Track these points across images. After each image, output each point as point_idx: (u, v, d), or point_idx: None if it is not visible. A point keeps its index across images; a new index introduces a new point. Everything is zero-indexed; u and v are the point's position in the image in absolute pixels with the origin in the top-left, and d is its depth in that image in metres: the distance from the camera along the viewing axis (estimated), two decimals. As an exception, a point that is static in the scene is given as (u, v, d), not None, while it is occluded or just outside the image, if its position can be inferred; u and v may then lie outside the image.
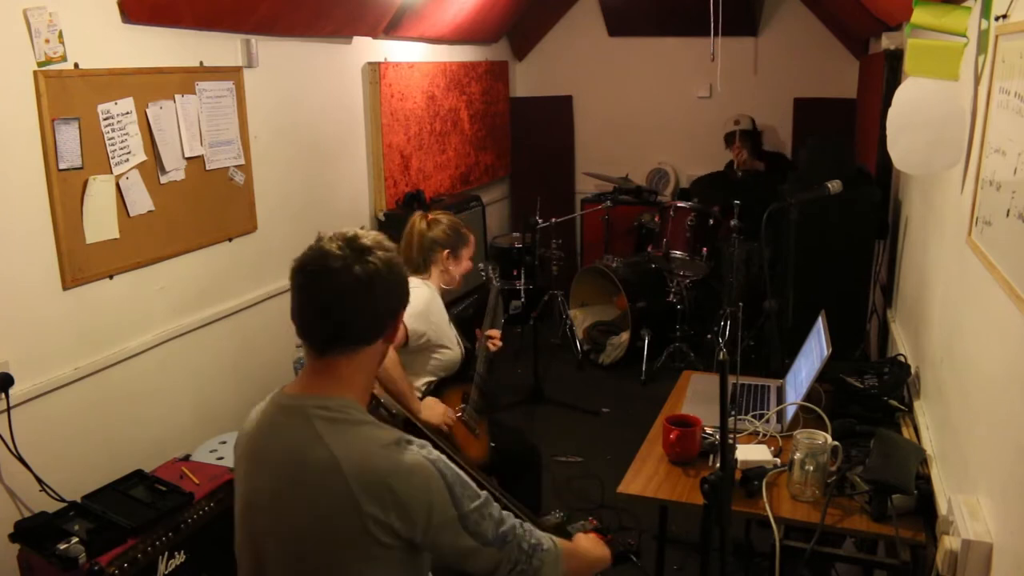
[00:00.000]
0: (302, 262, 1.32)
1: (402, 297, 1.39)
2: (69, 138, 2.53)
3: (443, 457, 1.34)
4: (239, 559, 1.44)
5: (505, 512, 1.40)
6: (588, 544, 1.63)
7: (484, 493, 1.37)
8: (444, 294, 2.80)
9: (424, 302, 2.60)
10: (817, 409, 2.32)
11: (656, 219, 5.06)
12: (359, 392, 1.38)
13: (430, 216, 2.78)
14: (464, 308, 4.53)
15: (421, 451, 1.32)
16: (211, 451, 2.89)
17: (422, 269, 2.72)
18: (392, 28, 4.32)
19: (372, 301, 1.32)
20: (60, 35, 2.48)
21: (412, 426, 2.27)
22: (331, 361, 1.34)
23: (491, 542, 1.34)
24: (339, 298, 1.30)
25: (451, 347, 2.73)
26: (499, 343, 2.86)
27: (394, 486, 1.27)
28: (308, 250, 1.33)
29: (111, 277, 2.76)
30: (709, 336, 4.88)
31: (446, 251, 2.73)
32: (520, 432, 3.32)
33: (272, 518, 1.34)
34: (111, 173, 2.70)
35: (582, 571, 1.55)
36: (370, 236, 1.36)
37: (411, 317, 2.51)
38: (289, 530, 1.32)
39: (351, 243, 1.32)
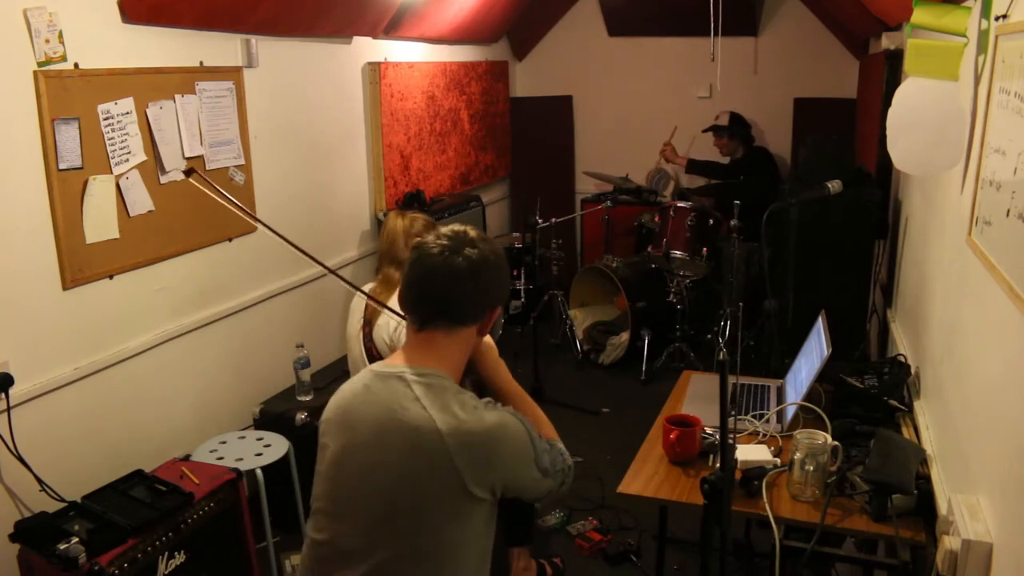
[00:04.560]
0: (422, 242, 1.51)
1: (503, 292, 1.56)
2: (69, 138, 2.53)
3: (518, 412, 1.52)
4: (315, 518, 1.52)
5: (549, 440, 1.56)
6: (520, 397, 1.67)
7: (537, 432, 1.53)
8: None
9: None
10: (817, 409, 2.32)
11: (656, 219, 5.06)
12: (452, 369, 1.51)
13: (407, 215, 2.90)
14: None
15: (506, 408, 1.50)
16: (211, 451, 2.89)
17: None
18: (392, 28, 4.32)
19: (475, 287, 1.48)
20: (60, 35, 2.48)
21: None
22: (430, 335, 1.49)
23: (549, 472, 1.52)
24: (447, 276, 1.46)
25: None
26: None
27: (487, 441, 1.41)
28: (430, 236, 1.53)
29: (111, 277, 2.76)
30: (709, 336, 4.89)
31: None
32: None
33: (363, 475, 1.45)
34: (111, 173, 2.70)
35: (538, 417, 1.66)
36: (480, 234, 1.55)
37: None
38: (380, 487, 1.42)
39: (465, 234, 1.52)
